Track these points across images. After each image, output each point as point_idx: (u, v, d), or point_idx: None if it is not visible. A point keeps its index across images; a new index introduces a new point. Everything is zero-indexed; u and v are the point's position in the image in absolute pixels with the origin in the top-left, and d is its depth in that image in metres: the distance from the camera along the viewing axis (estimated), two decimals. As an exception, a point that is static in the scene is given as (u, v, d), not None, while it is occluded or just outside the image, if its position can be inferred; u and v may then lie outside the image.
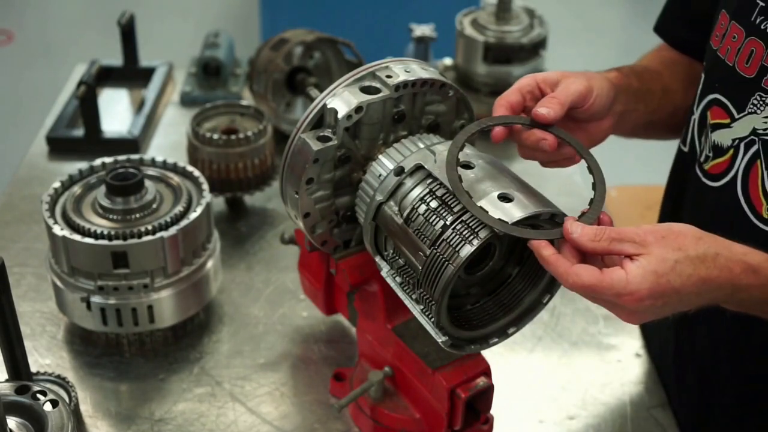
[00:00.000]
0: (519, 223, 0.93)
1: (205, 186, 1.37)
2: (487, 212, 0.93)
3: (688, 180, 1.24)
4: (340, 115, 1.05)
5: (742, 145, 1.11)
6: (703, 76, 1.21)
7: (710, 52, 1.18)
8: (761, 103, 1.07)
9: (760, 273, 0.93)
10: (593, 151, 1.13)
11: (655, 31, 1.39)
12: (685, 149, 1.27)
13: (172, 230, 1.28)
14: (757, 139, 1.08)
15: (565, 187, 1.65)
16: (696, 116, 1.22)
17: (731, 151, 1.12)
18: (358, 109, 1.05)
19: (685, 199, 1.26)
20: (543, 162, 1.10)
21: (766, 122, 1.07)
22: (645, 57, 1.38)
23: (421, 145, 1.08)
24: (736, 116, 1.12)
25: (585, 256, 0.93)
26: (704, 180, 1.18)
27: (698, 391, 1.28)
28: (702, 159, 1.19)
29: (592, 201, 0.97)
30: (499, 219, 0.93)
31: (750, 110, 1.09)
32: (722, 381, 1.23)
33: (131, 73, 2.07)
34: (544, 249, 0.92)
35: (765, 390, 1.19)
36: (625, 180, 2.71)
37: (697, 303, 0.93)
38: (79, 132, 1.86)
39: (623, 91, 1.17)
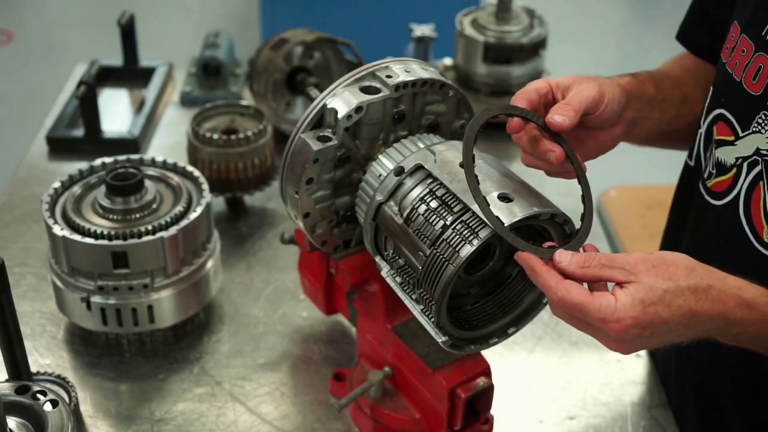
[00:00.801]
0: (519, 223, 0.93)
1: (205, 186, 1.37)
2: (490, 208, 0.93)
3: (692, 196, 1.22)
4: (340, 115, 1.05)
5: (745, 165, 1.08)
6: (711, 89, 1.18)
7: (720, 65, 1.16)
8: (766, 122, 1.04)
9: (755, 308, 0.90)
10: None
11: (677, 39, 1.35)
12: (692, 164, 1.24)
13: (172, 230, 1.28)
14: (760, 159, 1.06)
15: (565, 187, 1.64)
16: (702, 130, 1.19)
17: (734, 170, 1.10)
18: (358, 109, 1.05)
19: (689, 215, 1.23)
20: (547, 172, 1.08)
21: None
22: (667, 63, 1.35)
23: (421, 145, 1.08)
24: (741, 134, 1.09)
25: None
26: (707, 197, 1.16)
27: (695, 403, 1.27)
28: (705, 175, 1.17)
29: (576, 232, 0.96)
30: (497, 217, 0.92)
31: (754, 129, 1.06)
32: (721, 394, 1.22)
33: (131, 73, 2.07)
34: (533, 260, 0.91)
35: (765, 405, 1.18)
36: (625, 180, 2.70)
37: (687, 335, 0.91)
38: (79, 132, 1.86)
39: (636, 97, 1.14)
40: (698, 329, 0.90)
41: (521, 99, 1.01)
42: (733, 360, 1.17)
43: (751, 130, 1.07)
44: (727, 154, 1.11)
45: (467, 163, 0.94)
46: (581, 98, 1.03)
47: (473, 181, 0.93)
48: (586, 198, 0.99)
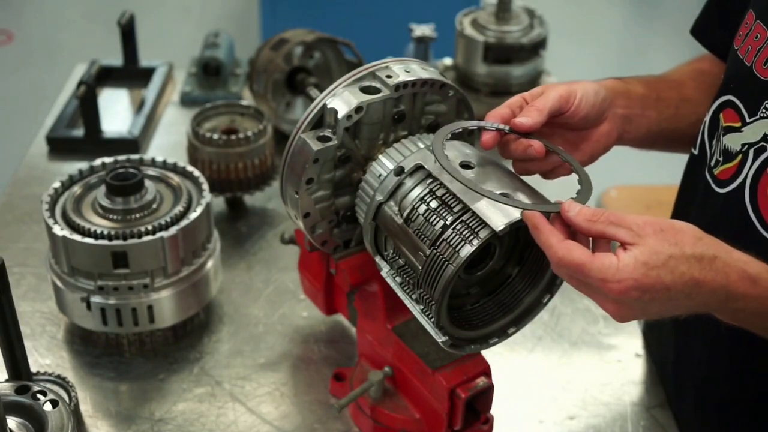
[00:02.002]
0: (519, 223, 0.93)
1: (205, 186, 1.37)
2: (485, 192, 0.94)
3: (697, 184, 1.22)
4: (340, 115, 1.05)
5: (751, 151, 1.07)
6: (723, 76, 1.18)
7: (731, 52, 1.15)
8: None
9: (759, 284, 0.90)
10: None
11: (691, 33, 1.34)
12: (696, 152, 1.24)
13: (172, 230, 1.28)
14: (767, 145, 1.05)
15: (565, 188, 1.65)
16: (708, 117, 1.19)
17: (740, 157, 1.09)
18: (358, 109, 1.05)
19: (693, 204, 1.23)
20: (541, 173, 1.09)
21: None
22: (674, 68, 1.34)
23: (421, 145, 1.08)
24: (748, 120, 1.08)
25: (576, 239, 0.91)
26: (713, 185, 1.15)
27: (695, 404, 1.27)
28: (712, 163, 1.16)
29: (579, 192, 0.97)
30: (501, 193, 0.94)
31: (762, 115, 1.06)
32: (719, 396, 1.22)
33: (131, 73, 2.07)
34: (537, 218, 0.90)
35: (764, 408, 1.18)
36: (625, 180, 2.70)
37: (687, 306, 0.90)
38: (79, 132, 1.86)
39: (621, 94, 1.15)
40: (698, 300, 0.89)
41: (492, 117, 1.04)
42: (732, 356, 1.17)
43: (758, 116, 1.06)
44: (733, 141, 1.10)
45: (443, 163, 0.97)
46: (546, 99, 1.06)
47: (458, 174, 0.95)
48: (577, 167, 1.01)
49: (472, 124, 1.05)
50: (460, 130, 1.04)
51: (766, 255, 0.94)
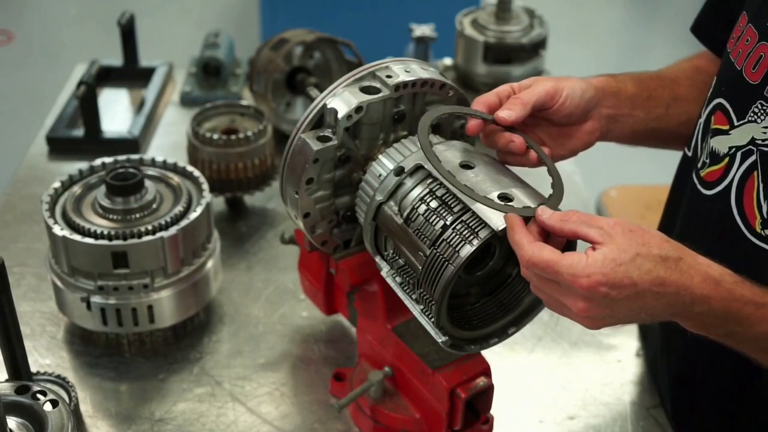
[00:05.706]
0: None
1: (205, 186, 1.37)
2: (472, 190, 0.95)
3: (685, 186, 1.22)
4: (340, 115, 1.05)
5: (738, 154, 1.08)
6: (714, 79, 1.18)
7: (725, 54, 1.16)
8: (762, 111, 1.04)
9: (722, 285, 0.91)
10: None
11: (691, 31, 1.34)
12: (689, 154, 1.24)
13: (172, 230, 1.28)
14: (755, 149, 1.05)
15: (565, 187, 1.65)
16: (702, 120, 1.19)
17: (726, 160, 1.10)
18: (358, 109, 1.05)
19: (681, 205, 1.24)
20: (520, 166, 1.10)
21: (765, 132, 1.04)
22: (672, 64, 1.35)
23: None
24: (735, 123, 1.09)
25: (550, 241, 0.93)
26: (699, 187, 1.16)
27: (671, 400, 1.28)
28: (699, 165, 1.17)
29: (551, 196, 0.99)
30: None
31: (750, 118, 1.06)
32: (696, 396, 1.23)
33: (131, 73, 2.07)
34: (514, 218, 0.92)
35: (737, 411, 1.19)
36: (625, 180, 2.70)
37: (653, 308, 0.91)
38: (79, 132, 1.86)
39: (611, 95, 1.16)
40: (664, 301, 0.90)
41: (480, 103, 1.07)
42: (709, 353, 1.17)
43: (746, 120, 1.07)
44: (720, 143, 1.11)
45: (425, 147, 0.99)
46: (532, 93, 1.07)
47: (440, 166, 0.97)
48: (552, 171, 1.03)
49: (458, 110, 1.06)
50: (446, 115, 1.06)
51: (751, 258, 0.94)
